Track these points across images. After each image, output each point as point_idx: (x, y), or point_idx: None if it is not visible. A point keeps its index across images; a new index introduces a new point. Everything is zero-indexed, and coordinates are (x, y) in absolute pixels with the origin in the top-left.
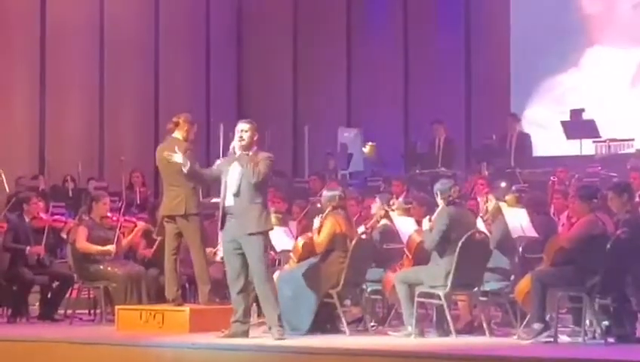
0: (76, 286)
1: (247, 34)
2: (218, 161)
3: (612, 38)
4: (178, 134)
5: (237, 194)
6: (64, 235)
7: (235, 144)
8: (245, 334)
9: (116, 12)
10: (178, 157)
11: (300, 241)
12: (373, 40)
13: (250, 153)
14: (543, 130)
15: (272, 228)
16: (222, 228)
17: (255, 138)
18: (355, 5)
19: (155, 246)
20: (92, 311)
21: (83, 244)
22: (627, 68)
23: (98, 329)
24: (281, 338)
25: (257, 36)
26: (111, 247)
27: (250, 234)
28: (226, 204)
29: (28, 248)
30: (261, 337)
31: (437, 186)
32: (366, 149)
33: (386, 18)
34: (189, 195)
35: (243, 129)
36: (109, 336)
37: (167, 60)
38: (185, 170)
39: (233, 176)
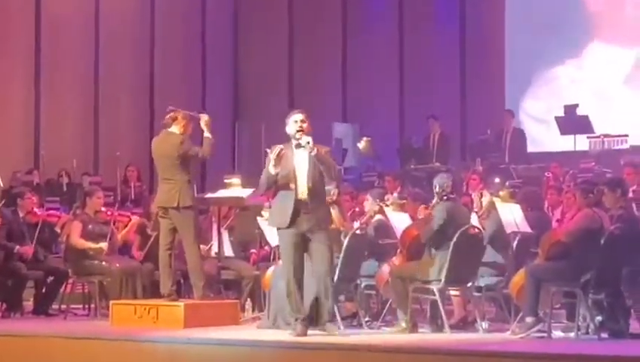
0: (70, 280)
1: (243, 29)
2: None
3: (611, 36)
4: (175, 128)
5: (311, 189)
6: (58, 229)
7: (298, 135)
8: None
9: (112, 6)
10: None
11: None
12: (369, 35)
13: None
14: (539, 123)
15: None
16: (291, 223)
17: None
18: (352, 0)
19: (146, 248)
20: (86, 306)
21: (76, 240)
22: (624, 65)
23: (92, 323)
24: (334, 334)
25: (253, 31)
26: (103, 245)
27: (326, 229)
28: (300, 198)
29: (17, 247)
30: (255, 331)
31: (436, 180)
32: (361, 144)
33: (382, 14)
34: (183, 188)
35: (301, 118)
36: (104, 331)
37: (162, 56)
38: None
39: (303, 169)
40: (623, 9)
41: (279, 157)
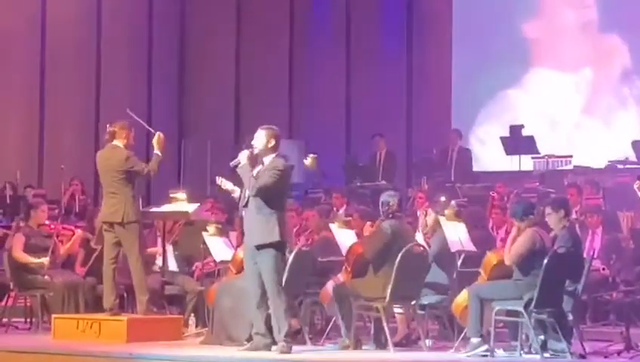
0: (12, 294)
1: (190, 45)
2: None
3: (551, 61)
4: (118, 142)
5: (245, 206)
6: None
7: (242, 152)
8: (268, 347)
9: (58, 18)
10: (229, 185)
11: (240, 252)
12: (316, 52)
13: (265, 162)
14: (483, 146)
15: (279, 240)
16: (243, 238)
17: (270, 145)
18: (298, 18)
19: (90, 262)
20: (28, 320)
21: (18, 253)
22: (565, 89)
23: (34, 337)
24: (286, 352)
25: (200, 47)
26: (44, 260)
27: (258, 247)
28: (242, 215)
29: None
30: (199, 347)
31: (382, 198)
32: (307, 161)
33: (329, 31)
34: (128, 203)
35: (255, 136)
36: (46, 345)
37: (108, 68)
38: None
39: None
40: (557, 34)
41: (222, 187)
